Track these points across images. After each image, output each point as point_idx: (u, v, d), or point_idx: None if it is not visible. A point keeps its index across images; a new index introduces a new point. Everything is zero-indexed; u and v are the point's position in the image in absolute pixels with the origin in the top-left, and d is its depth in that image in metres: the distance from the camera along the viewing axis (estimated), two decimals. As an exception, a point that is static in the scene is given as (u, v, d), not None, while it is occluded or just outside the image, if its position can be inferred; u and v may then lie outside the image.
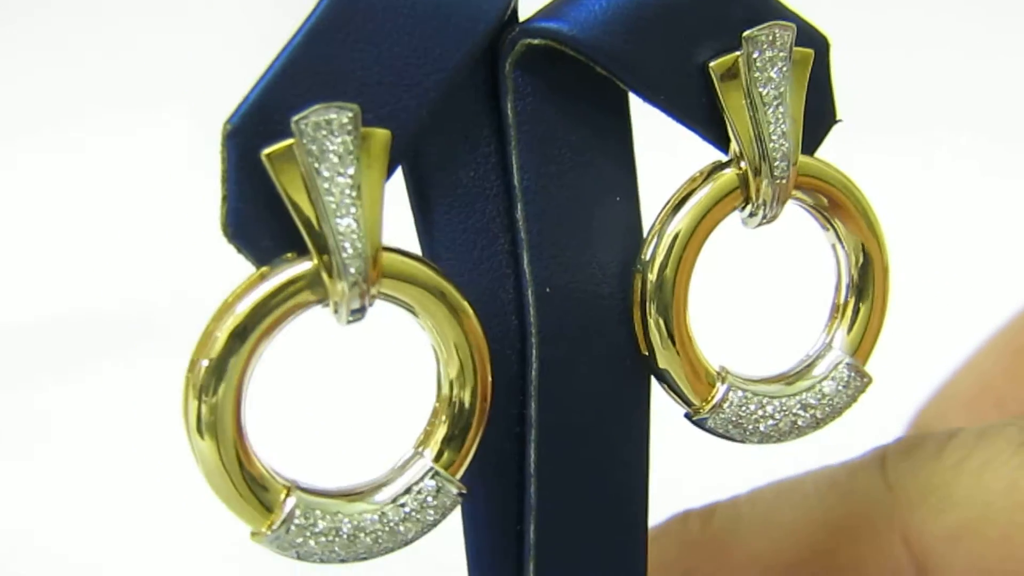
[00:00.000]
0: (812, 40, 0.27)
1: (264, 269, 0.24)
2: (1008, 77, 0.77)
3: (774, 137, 0.27)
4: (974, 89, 0.76)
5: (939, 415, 0.40)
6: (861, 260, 0.28)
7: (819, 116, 0.28)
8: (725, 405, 0.27)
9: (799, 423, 0.28)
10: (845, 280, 0.29)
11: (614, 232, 0.27)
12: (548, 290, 0.27)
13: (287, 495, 0.25)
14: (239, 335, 0.24)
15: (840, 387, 0.28)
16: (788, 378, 0.28)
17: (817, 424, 0.28)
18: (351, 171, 0.24)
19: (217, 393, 0.24)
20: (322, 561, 0.25)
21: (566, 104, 0.27)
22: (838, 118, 0.28)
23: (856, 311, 0.29)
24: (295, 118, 0.23)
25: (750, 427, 0.28)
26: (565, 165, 0.27)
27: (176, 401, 0.24)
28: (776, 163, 0.27)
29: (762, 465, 0.34)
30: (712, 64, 0.26)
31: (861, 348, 0.29)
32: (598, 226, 0.27)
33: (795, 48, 0.27)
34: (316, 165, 0.24)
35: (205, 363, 0.24)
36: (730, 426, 0.28)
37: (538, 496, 0.28)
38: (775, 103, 0.27)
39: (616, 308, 0.27)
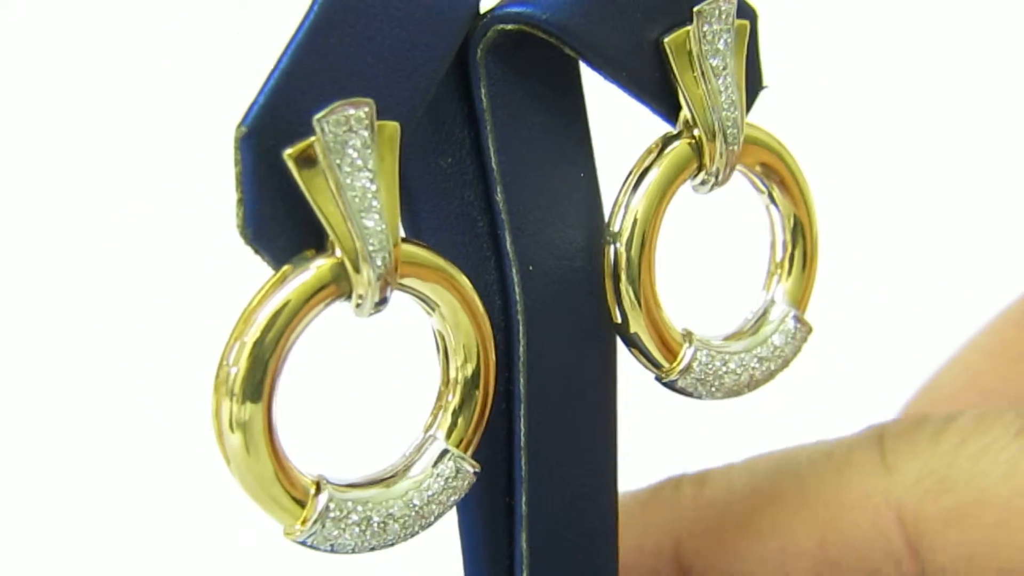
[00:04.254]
0: (744, 12, 0.29)
1: (286, 268, 0.24)
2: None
3: (726, 106, 0.28)
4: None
5: (926, 409, 0.40)
6: (792, 219, 0.30)
7: (750, 84, 0.30)
8: (695, 365, 0.29)
9: (756, 376, 0.30)
10: (780, 238, 0.30)
11: (580, 207, 0.28)
12: (530, 268, 0.28)
13: (317, 491, 0.25)
14: (275, 333, 0.24)
15: (788, 338, 0.30)
16: (743, 334, 0.30)
17: (771, 375, 0.30)
18: (371, 165, 0.24)
19: (248, 397, 0.24)
20: (354, 551, 0.26)
21: (531, 87, 0.28)
22: (764, 85, 0.30)
23: (791, 266, 0.30)
24: (317, 116, 0.24)
25: (716, 383, 0.29)
26: (536, 146, 0.28)
27: (205, 404, 0.25)
28: (729, 130, 0.28)
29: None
30: (667, 39, 0.28)
31: (801, 299, 0.30)
32: (567, 203, 0.28)
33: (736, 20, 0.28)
34: (338, 162, 0.24)
35: (235, 370, 0.24)
36: (698, 384, 0.29)
37: (528, 468, 0.28)
38: (724, 73, 0.28)
39: (586, 280, 0.28)
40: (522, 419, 0.28)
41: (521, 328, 0.28)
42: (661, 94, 0.28)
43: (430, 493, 0.26)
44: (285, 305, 0.24)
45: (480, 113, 0.27)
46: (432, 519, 0.26)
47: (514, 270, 0.28)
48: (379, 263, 0.24)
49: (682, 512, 0.34)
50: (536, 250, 0.28)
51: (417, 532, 0.26)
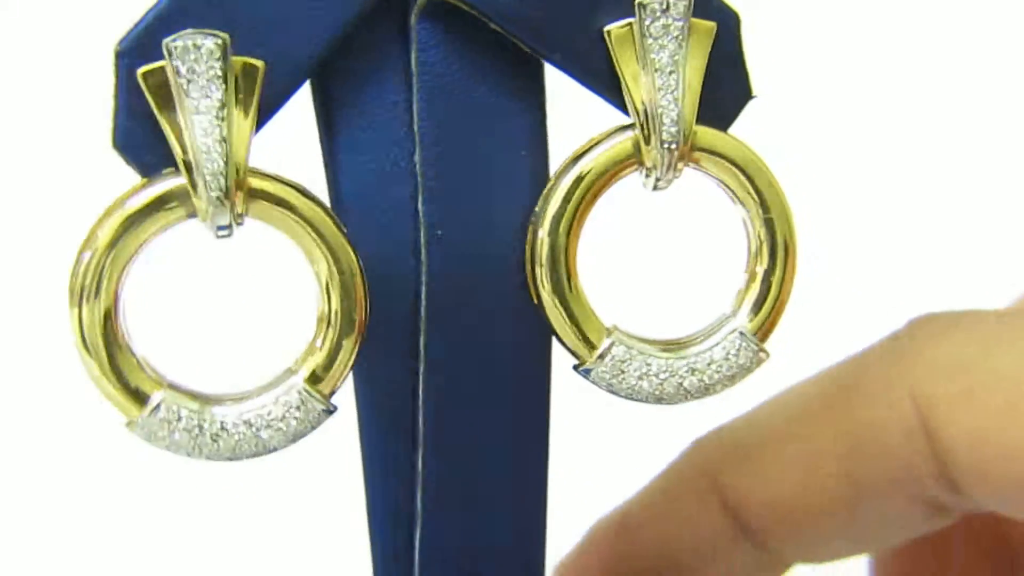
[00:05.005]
0: (720, 14, 0.28)
1: (143, 182, 0.27)
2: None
3: (663, 103, 0.27)
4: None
5: None
6: (764, 235, 0.29)
7: (733, 92, 0.29)
8: (607, 358, 0.28)
9: (685, 385, 0.29)
10: (753, 250, 0.29)
11: (516, 185, 0.29)
12: (439, 232, 0.28)
13: (159, 391, 0.27)
14: (116, 239, 0.27)
15: (730, 354, 0.29)
16: (680, 342, 0.29)
17: (706, 389, 0.29)
18: (218, 95, 0.26)
19: (97, 290, 0.27)
20: (188, 455, 0.27)
21: (472, 57, 0.28)
22: (753, 94, 0.29)
23: (762, 284, 0.29)
24: (166, 40, 0.26)
25: (632, 382, 0.28)
26: (468, 116, 0.28)
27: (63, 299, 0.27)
28: (665, 129, 0.27)
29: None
30: (608, 28, 0.28)
31: (763, 324, 0.29)
32: (499, 177, 0.29)
33: (695, 20, 0.28)
34: (185, 86, 0.26)
35: (87, 255, 0.27)
36: (612, 379, 0.28)
37: (426, 427, 0.29)
38: (667, 70, 0.27)
39: (513, 258, 0.29)
40: (421, 378, 0.29)
41: (424, 289, 0.28)
42: (611, 85, 0.28)
43: (271, 417, 0.27)
44: (129, 215, 0.27)
45: (411, 77, 0.28)
46: (273, 445, 0.27)
47: (422, 232, 0.28)
48: (213, 187, 0.26)
49: (711, 444, 0.35)
50: (450, 217, 0.28)
51: (256, 453, 0.28)
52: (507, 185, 0.29)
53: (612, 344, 0.28)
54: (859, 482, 0.32)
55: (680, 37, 0.27)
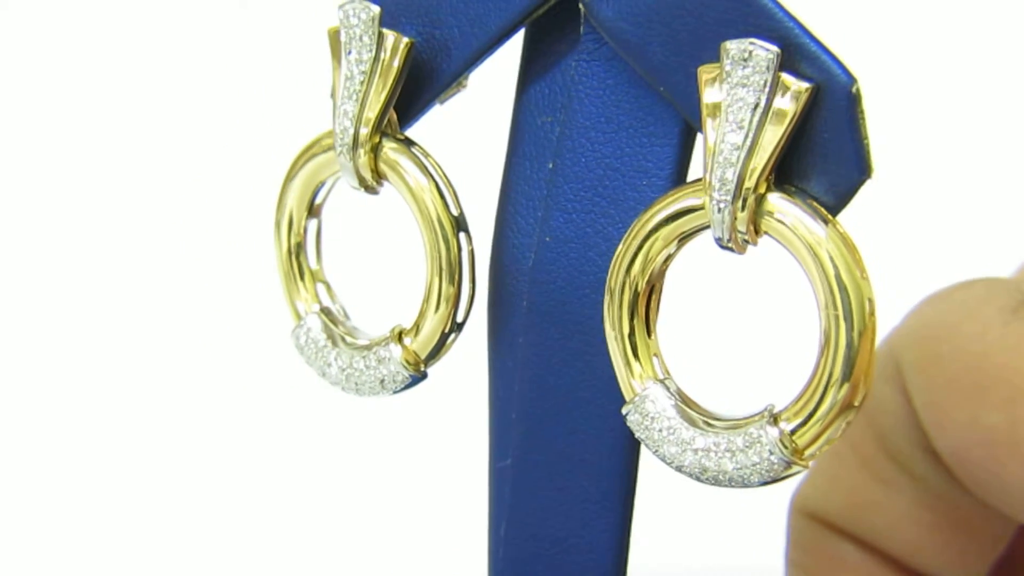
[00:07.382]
0: (827, 75, 0.25)
1: (323, 132, 0.30)
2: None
3: (720, 159, 0.25)
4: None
5: None
6: (834, 333, 0.25)
7: (841, 168, 0.25)
8: (636, 407, 0.27)
9: (704, 464, 0.26)
10: (820, 349, 0.25)
11: (632, 211, 0.28)
12: (547, 239, 0.28)
13: (313, 311, 0.31)
14: (289, 176, 0.31)
15: (750, 446, 0.25)
16: (718, 420, 0.26)
17: (721, 476, 0.26)
18: (365, 58, 0.29)
19: (275, 214, 0.31)
20: (317, 374, 0.31)
21: (627, 77, 0.28)
22: (870, 175, 0.25)
23: (818, 388, 0.25)
24: (339, 3, 0.29)
25: (656, 440, 0.27)
26: (604, 133, 0.28)
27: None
28: (717, 185, 0.25)
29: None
30: (700, 68, 0.26)
31: (809, 433, 0.25)
32: (618, 202, 0.28)
33: (786, 77, 0.25)
34: (346, 47, 0.29)
35: (280, 193, 0.31)
36: (639, 431, 0.27)
37: (517, 425, 0.29)
38: (736, 124, 0.25)
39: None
40: (517, 370, 0.29)
41: (526, 290, 0.29)
42: None
43: (367, 366, 0.30)
44: (299, 156, 0.31)
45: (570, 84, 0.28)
46: (365, 391, 0.30)
47: (536, 234, 0.28)
48: (338, 146, 0.29)
49: (802, 493, 0.36)
50: (563, 227, 0.28)
51: (357, 393, 0.30)
52: (623, 211, 0.28)
53: (645, 398, 0.27)
54: (887, 445, 0.33)
55: (758, 92, 0.25)
